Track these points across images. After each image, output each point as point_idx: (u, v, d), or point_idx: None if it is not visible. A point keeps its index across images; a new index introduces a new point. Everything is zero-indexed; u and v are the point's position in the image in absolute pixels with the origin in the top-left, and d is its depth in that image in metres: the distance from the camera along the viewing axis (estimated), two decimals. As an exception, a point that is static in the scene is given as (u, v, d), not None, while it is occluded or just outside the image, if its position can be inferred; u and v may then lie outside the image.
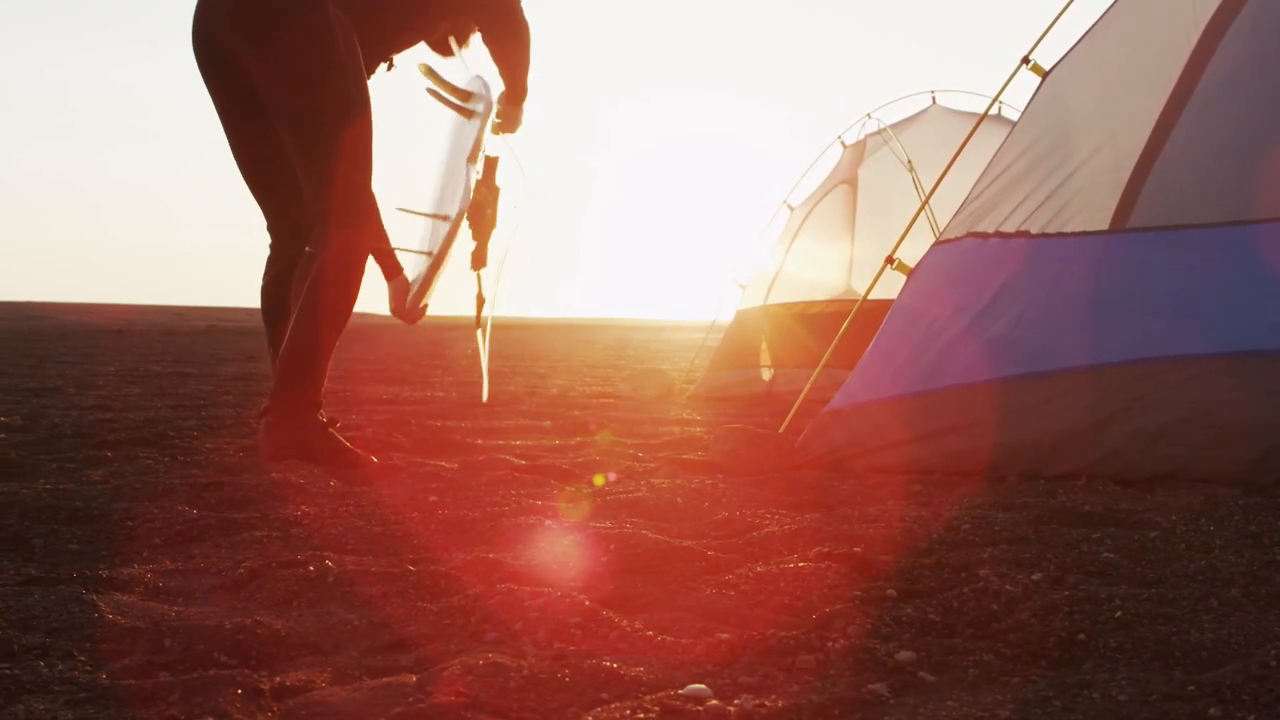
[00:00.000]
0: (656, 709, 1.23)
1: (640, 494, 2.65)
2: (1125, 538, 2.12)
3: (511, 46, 3.50)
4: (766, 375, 6.53)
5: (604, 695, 1.32)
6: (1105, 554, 2.00)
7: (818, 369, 3.65)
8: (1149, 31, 3.51)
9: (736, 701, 1.26)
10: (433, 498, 2.76)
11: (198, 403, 5.96)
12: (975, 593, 1.70)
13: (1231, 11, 3.39)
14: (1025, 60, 3.60)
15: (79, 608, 1.74)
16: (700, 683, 1.36)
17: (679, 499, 2.59)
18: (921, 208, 3.77)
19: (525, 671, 1.34)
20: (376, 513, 2.55)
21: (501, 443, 4.15)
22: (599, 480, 3.08)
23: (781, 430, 3.45)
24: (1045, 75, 3.55)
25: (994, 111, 7.14)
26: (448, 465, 3.35)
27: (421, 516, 2.45)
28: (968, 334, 3.20)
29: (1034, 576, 1.79)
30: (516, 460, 3.43)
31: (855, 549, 1.98)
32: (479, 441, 4.12)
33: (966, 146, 7.10)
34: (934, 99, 7.01)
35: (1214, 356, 2.97)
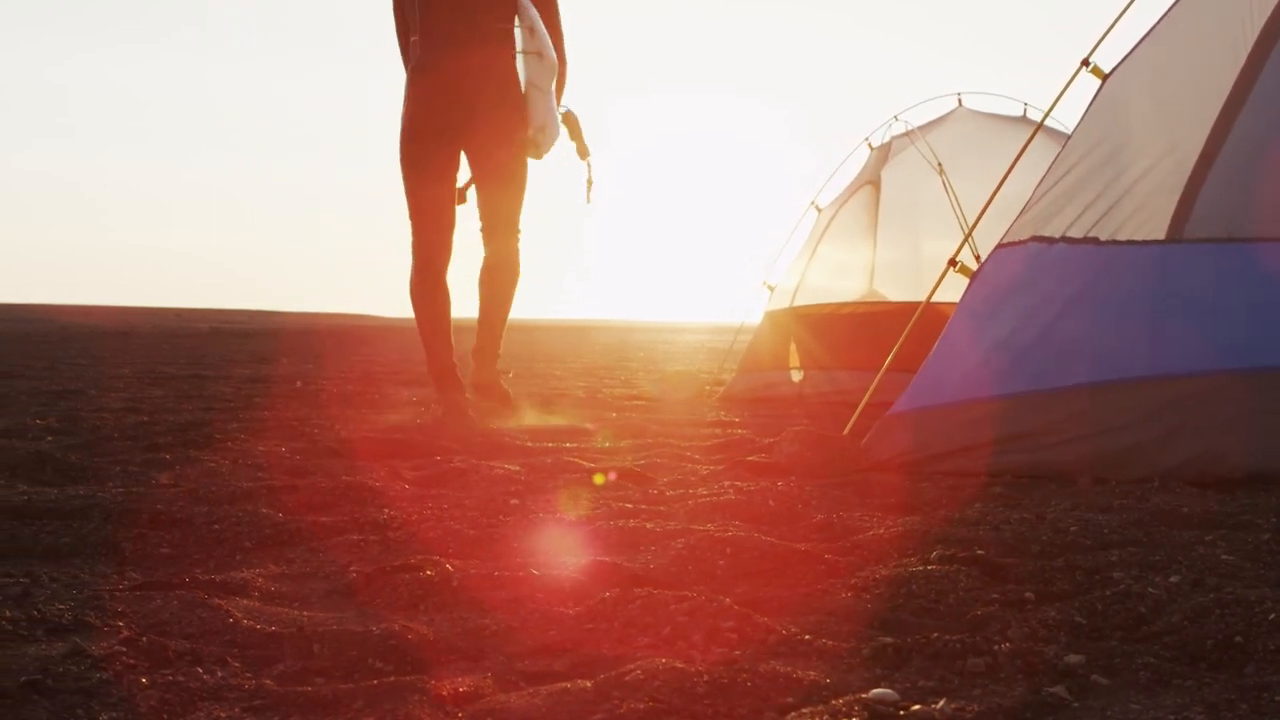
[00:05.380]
0: (862, 713, 1.22)
1: (729, 497, 2.64)
2: (1238, 540, 2.12)
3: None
4: (796, 377, 6.52)
5: (789, 700, 1.30)
6: (1223, 556, 1.99)
7: (880, 372, 3.64)
8: (1206, 35, 3.51)
9: (937, 705, 1.25)
10: (514, 501, 2.74)
11: (227, 404, 5.93)
12: (1118, 595, 1.69)
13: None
14: (1085, 63, 3.59)
15: (208, 613, 1.72)
16: (878, 686, 1.34)
17: (770, 501, 2.58)
18: (982, 212, 3.74)
19: (706, 677, 1.33)
20: (464, 515, 2.53)
21: (552, 445, 4.13)
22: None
23: (846, 432, 3.44)
24: (1105, 78, 3.54)
25: (1019, 113, 7.17)
26: (511, 467, 3.33)
27: (515, 520, 2.43)
28: (1042, 341, 3.19)
29: (1172, 579, 1.78)
30: (582, 463, 3.42)
31: (978, 551, 1.97)
32: (529, 444, 4.10)
33: (995, 148, 7.08)
34: (960, 101, 7.01)
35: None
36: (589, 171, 4.93)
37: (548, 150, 4.71)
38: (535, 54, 4.58)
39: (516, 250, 4.76)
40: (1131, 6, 3.60)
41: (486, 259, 4.76)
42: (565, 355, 14.65)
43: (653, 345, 20.55)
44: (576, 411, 5.73)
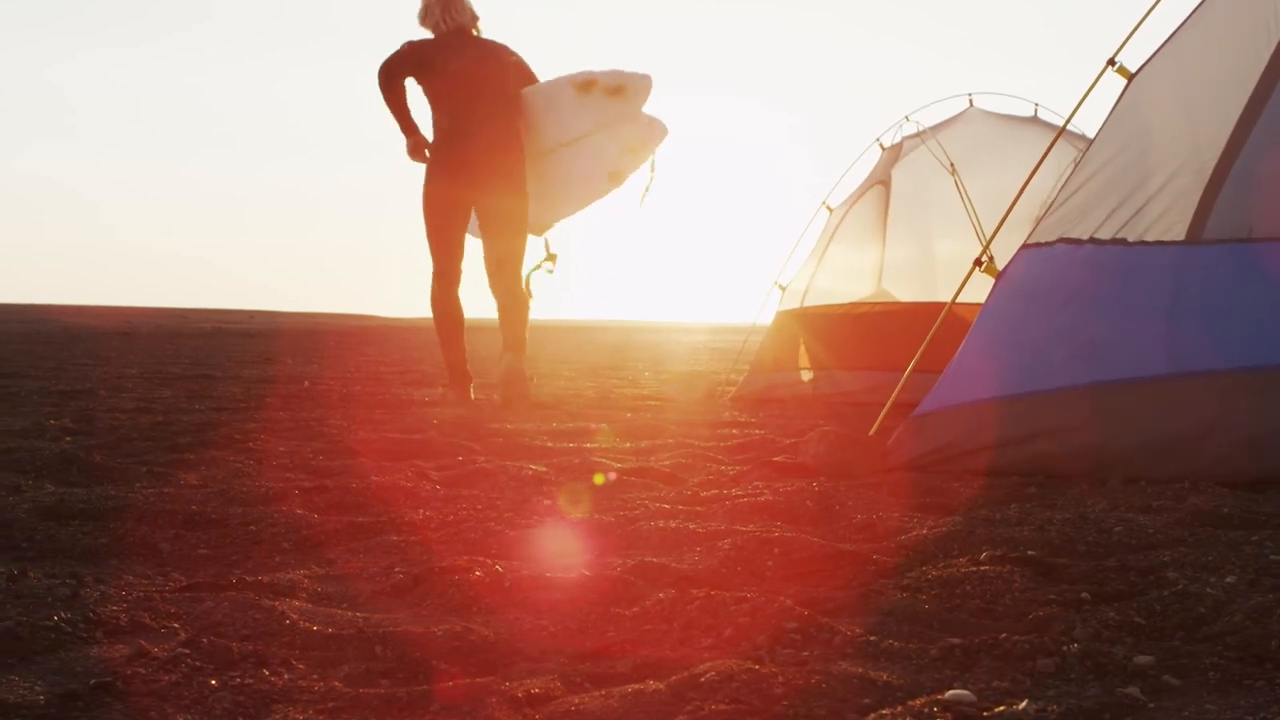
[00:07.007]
0: (944, 714, 1.21)
1: (765, 498, 2.64)
2: (1283, 540, 2.11)
3: None
4: (806, 377, 6.51)
5: (867, 701, 1.30)
6: (1272, 556, 1.99)
7: (906, 372, 3.63)
8: (1230, 37, 3.50)
9: (1020, 706, 1.24)
10: (547, 501, 2.73)
11: (238, 405, 5.92)
12: (1175, 596, 1.68)
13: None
14: (1111, 62, 3.58)
15: (261, 614, 1.71)
16: (951, 687, 1.34)
17: (808, 502, 2.57)
18: (1002, 221, 3.73)
19: (781, 679, 1.32)
20: (500, 515, 2.52)
21: (573, 445, 4.12)
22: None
23: (872, 433, 3.43)
24: (1131, 78, 3.54)
25: (1031, 113, 7.16)
26: (538, 468, 3.32)
27: (553, 521, 2.42)
28: (1066, 340, 3.19)
29: (1228, 579, 1.78)
30: (608, 463, 3.41)
31: (1028, 552, 1.97)
32: (549, 444, 4.09)
33: (1007, 148, 7.05)
34: (971, 101, 7.00)
35: None
36: (650, 180, 5.57)
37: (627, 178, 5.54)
38: (609, 90, 5.37)
39: (521, 290, 5.67)
40: (1156, 7, 3.59)
41: (499, 305, 5.64)
42: (570, 356, 14.64)
43: (657, 346, 20.55)
44: (589, 412, 5.73)
